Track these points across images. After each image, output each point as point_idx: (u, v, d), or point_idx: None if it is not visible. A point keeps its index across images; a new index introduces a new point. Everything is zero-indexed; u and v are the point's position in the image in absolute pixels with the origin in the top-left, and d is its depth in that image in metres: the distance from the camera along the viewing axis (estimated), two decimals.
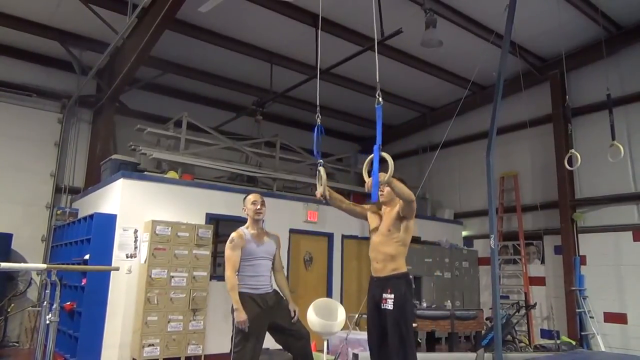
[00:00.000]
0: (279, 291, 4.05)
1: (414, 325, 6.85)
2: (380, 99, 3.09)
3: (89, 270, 6.31)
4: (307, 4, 7.52)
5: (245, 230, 4.02)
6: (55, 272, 3.76)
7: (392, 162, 2.96)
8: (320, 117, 3.78)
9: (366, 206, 3.98)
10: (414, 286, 3.56)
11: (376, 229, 3.70)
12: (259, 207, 4.06)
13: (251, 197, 4.11)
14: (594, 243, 8.62)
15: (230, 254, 3.87)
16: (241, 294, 3.76)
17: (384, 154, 2.98)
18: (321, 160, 3.68)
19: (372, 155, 2.99)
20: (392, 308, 3.41)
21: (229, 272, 3.82)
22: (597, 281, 8.47)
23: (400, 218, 3.55)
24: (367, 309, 3.71)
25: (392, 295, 3.42)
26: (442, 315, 7.81)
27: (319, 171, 3.56)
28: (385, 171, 3.00)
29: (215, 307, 7.01)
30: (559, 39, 7.86)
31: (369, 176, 3.04)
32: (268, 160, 9.59)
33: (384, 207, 3.78)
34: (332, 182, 9.91)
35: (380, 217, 3.73)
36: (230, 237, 3.95)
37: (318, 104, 3.85)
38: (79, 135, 9.31)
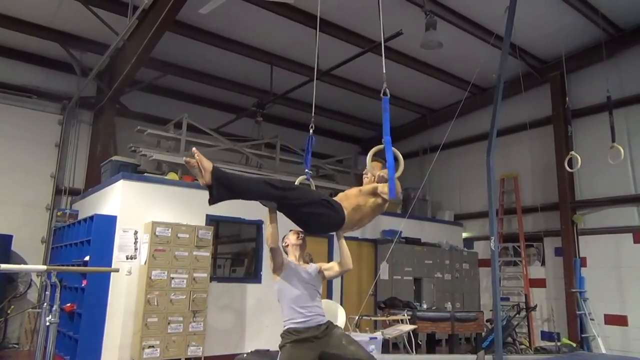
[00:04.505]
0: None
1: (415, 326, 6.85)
2: (387, 90, 3.18)
3: (89, 271, 6.31)
4: (307, 5, 7.53)
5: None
6: (55, 273, 3.75)
7: (402, 158, 3.01)
8: (313, 127, 3.85)
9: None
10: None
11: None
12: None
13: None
14: (595, 245, 8.62)
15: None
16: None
17: (394, 150, 3.04)
18: (309, 171, 3.72)
19: (381, 146, 3.03)
20: None
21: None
22: (598, 283, 8.45)
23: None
24: None
25: None
26: (443, 317, 7.82)
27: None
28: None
29: (216, 309, 7.01)
30: (559, 40, 7.87)
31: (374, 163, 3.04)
32: (268, 162, 9.60)
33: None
34: (333, 183, 9.92)
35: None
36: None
37: (313, 113, 3.90)
38: (79, 136, 9.31)
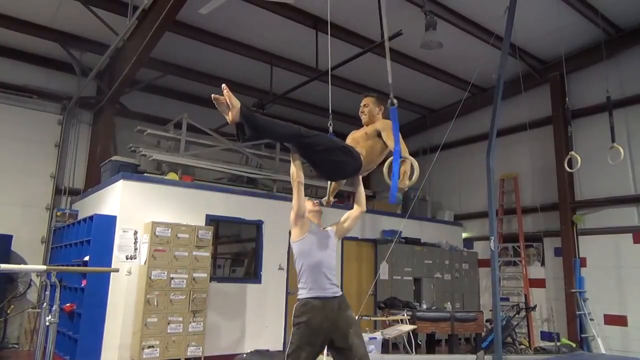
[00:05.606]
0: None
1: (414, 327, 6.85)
2: (395, 101, 3.23)
3: (88, 271, 6.31)
4: (307, 5, 7.54)
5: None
6: (55, 273, 3.76)
7: (417, 165, 3.08)
8: (332, 125, 3.88)
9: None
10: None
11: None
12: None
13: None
14: (594, 245, 8.62)
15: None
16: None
17: (411, 158, 3.14)
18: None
19: (392, 158, 3.10)
20: None
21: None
22: (597, 283, 8.46)
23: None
24: None
25: None
26: (442, 317, 7.83)
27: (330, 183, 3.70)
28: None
29: (216, 309, 7.01)
30: (559, 41, 7.88)
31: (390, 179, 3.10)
32: (268, 162, 9.60)
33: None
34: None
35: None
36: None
37: (331, 113, 3.89)
38: (79, 136, 9.31)
